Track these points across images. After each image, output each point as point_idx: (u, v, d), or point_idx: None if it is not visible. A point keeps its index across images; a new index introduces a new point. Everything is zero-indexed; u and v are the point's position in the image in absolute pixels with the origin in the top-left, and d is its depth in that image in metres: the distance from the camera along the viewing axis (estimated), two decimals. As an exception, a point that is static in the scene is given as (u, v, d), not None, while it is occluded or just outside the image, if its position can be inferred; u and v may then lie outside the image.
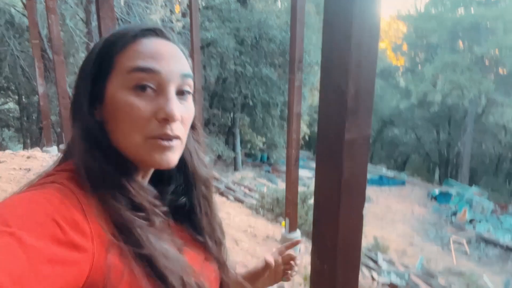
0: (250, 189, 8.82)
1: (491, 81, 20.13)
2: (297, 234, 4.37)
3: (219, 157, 13.88)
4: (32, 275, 0.38)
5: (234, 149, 14.62)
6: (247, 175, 13.34)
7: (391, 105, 24.37)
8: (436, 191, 17.88)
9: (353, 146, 1.06)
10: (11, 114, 15.68)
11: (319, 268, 1.17)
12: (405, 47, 26.69)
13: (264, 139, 14.45)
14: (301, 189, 10.42)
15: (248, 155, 18.59)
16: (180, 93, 0.57)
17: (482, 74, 19.95)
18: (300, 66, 3.92)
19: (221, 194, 7.49)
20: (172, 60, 0.56)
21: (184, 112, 0.57)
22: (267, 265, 0.90)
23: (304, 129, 12.73)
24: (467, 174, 20.78)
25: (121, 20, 8.47)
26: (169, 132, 0.54)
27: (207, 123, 13.04)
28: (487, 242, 13.20)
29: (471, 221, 14.60)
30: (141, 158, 0.55)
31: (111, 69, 0.54)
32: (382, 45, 31.27)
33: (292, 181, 4.22)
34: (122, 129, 0.53)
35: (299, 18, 3.88)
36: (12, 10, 10.57)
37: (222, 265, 0.71)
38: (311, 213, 6.33)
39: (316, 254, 1.19)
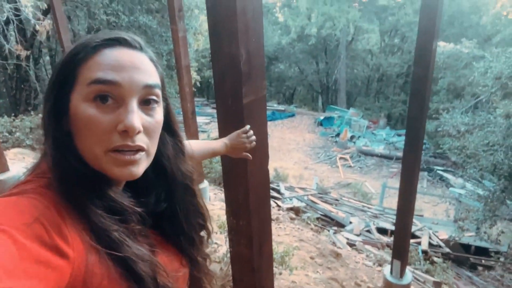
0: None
1: (356, 9, 22.00)
2: (205, 184, 4.49)
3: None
4: (22, 271, 0.40)
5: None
6: (143, 132, 12.82)
7: (274, 42, 25.13)
8: (321, 117, 19.75)
9: (252, 109, 1.11)
10: None
11: (235, 225, 1.25)
12: (278, -18, 27.05)
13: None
14: (202, 136, 10.47)
15: (139, 110, 17.65)
16: (146, 102, 0.57)
17: (348, 4, 21.59)
18: (181, 14, 3.73)
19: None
20: (134, 70, 0.55)
21: (148, 122, 0.57)
22: (225, 148, 1.05)
23: (194, 76, 12.45)
24: (344, 98, 23.24)
25: None
26: (129, 143, 0.54)
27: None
28: (366, 154, 15.42)
29: (351, 138, 16.71)
30: (102, 170, 0.55)
31: (74, 81, 0.54)
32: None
33: (192, 134, 4.22)
34: (84, 141, 0.53)
35: (171, -39, 3.61)
36: None
37: (193, 261, 0.73)
38: (215, 160, 6.47)
39: (231, 214, 1.27)
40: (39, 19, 7.36)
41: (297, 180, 11.83)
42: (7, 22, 7.66)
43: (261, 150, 1.20)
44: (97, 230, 0.52)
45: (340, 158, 15.15)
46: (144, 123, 0.56)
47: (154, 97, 0.58)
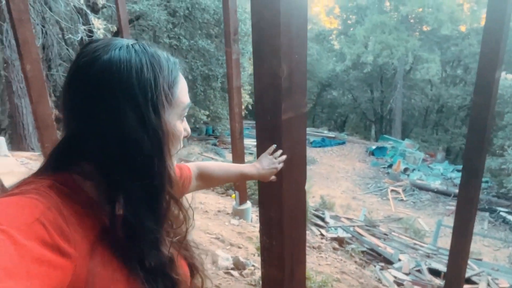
0: (197, 165, 8.75)
1: (416, 38, 21.41)
2: (248, 205, 4.48)
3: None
4: (22, 271, 0.40)
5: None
6: (194, 150, 13.21)
7: (328, 69, 25.10)
8: (373, 146, 19.11)
9: (291, 125, 1.09)
10: None
11: (268, 245, 1.22)
12: (337, 10, 27.25)
13: (207, 112, 14.26)
14: (249, 158, 10.57)
15: (193, 130, 18.32)
16: None
17: (408, 33, 21.11)
18: (236, 38, 3.86)
19: (169, 173, 7.38)
20: None
21: None
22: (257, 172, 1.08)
23: (247, 98, 12.72)
24: (400, 129, 22.37)
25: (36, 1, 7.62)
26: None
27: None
28: (420, 188, 14.55)
29: (405, 170, 15.91)
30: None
31: (171, 103, 0.60)
32: (316, 9, 31.67)
33: (238, 154, 4.26)
34: (172, 149, 0.63)
35: (230, -13, 3.78)
36: None
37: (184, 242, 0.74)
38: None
39: (264, 232, 1.23)
40: (109, 41, 8.02)
41: (344, 209, 11.43)
42: (81, 42, 8.45)
43: (299, 169, 1.17)
44: (106, 230, 0.54)
45: (392, 190, 14.44)
46: None
47: None
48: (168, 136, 0.60)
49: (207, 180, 1.08)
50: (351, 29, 24.88)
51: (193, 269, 0.75)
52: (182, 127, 0.64)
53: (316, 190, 12.54)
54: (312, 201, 10.62)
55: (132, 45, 0.57)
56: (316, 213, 8.07)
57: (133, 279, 0.54)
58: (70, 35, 7.81)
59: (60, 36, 9.41)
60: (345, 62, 23.01)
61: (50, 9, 8.35)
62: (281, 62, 1.00)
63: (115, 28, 7.59)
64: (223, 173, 1.07)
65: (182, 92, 0.63)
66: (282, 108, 1.04)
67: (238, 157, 4.26)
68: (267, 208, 1.21)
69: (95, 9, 9.72)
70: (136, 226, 0.55)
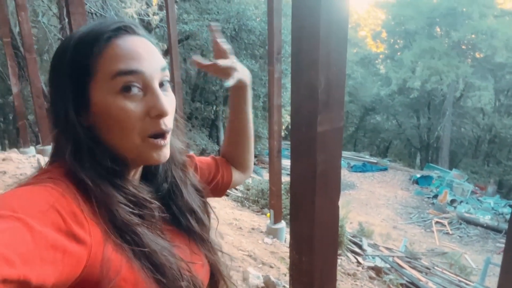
0: (235, 182, 8.81)
1: (468, 65, 20.53)
2: (282, 225, 4.41)
3: (203, 150, 13.79)
4: (37, 258, 0.41)
5: (217, 142, 14.56)
6: (232, 167, 13.33)
7: (372, 93, 24.64)
8: (418, 175, 18.27)
9: (326, 139, 1.07)
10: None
11: (297, 261, 1.18)
12: (384, 35, 26.91)
13: (248, 131, 14.38)
14: (286, 179, 10.49)
15: (232, 147, 18.51)
16: (161, 84, 0.59)
17: (459, 59, 20.32)
18: (279, 57, 3.91)
19: (206, 188, 7.48)
20: (150, 56, 0.57)
21: (169, 102, 0.59)
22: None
23: (287, 119, 12.74)
24: (447, 158, 21.28)
25: (95, 14, 8.25)
26: (163, 127, 0.57)
27: (189, 117, 12.90)
28: (468, 222, 13.61)
29: (452, 202, 15.00)
30: (140, 157, 0.58)
31: (91, 75, 0.54)
32: (362, 33, 31.49)
33: (275, 173, 4.24)
34: (119, 132, 0.55)
35: (276, 8, 3.87)
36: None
37: (205, 243, 0.72)
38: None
39: (294, 247, 1.20)
40: (159, 58, 8.46)
41: (383, 238, 10.92)
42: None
43: (333, 184, 1.14)
44: (119, 225, 0.53)
45: (437, 222, 13.63)
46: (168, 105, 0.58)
47: (167, 78, 0.60)
48: (97, 115, 0.55)
49: (235, 146, 0.93)
50: (398, 53, 24.40)
51: (216, 273, 0.73)
52: (124, 103, 0.54)
53: (355, 216, 12.13)
54: (349, 227, 10.26)
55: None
56: (353, 239, 7.78)
57: (147, 270, 0.53)
58: (124, 52, 8.32)
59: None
60: (390, 86, 22.50)
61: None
62: (319, 74, 1.00)
63: (165, 47, 7.98)
64: (232, 117, 0.90)
65: (110, 58, 0.53)
66: (318, 120, 1.03)
67: (275, 176, 4.24)
68: (298, 223, 1.18)
69: (148, 29, 10.32)
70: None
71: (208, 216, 0.76)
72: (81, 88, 0.54)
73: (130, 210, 0.55)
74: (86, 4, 7.75)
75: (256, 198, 6.20)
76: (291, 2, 1.05)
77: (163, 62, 0.59)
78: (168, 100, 0.58)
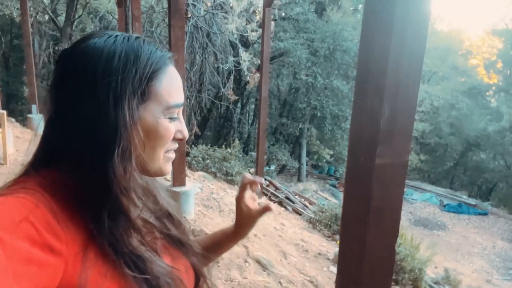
0: (310, 202, 8.64)
1: None
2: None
3: (283, 166, 13.84)
4: (9, 273, 0.39)
5: (299, 160, 14.49)
6: (310, 187, 13.10)
7: (479, 127, 22.14)
8: (525, 226, 15.78)
9: (385, 173, 0.98)
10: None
11: (341, 300, 1.09)
12: (499, 65, 24.16)
13: (332, 152, 14.09)
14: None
15: (315, 166, 18.27)
16: None
17: None
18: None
19: (280, 203, 7.45)
20: (182, 90, 0.64)
21: None
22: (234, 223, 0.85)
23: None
24: None
25: (201, 29, 8.94)
26: (177, 145, 0.66)
27: (274, 132, 13.12)
28: None
29: None
30: (159, 169, 0.62)
31: (147, 97, 0.56)
32: (473, 61, 28.76)
33: (349, 199, 4.04)
34: (153, 148, 0.59)
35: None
36: (110, 16, 11.82)
37: (185, 246, 0.70)
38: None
39: (340, 285, 1.11)
40: (252, 72, 8.79)
41: (472, 292, 9.61)
42: (229, 72, 9.46)
43: (389, 224, 1.03)
44: (127, 252, 0.53)
45: (544, 285, 11.55)
46: None
47: None
48: (135, 132, 0.55)
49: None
50: (515, 86, 21.66)
51: (200, 276, 0.71)
52: (169, 125, 0.59)
53: (441, 261, 10.92)
54: (433, 272, 9.29)
55: (116, 35, 0.56)
56: (434, 286, 6.99)
57: (126, 277, 0.52)
58: (220, 65, 8.82)
59: (215, 65, 10.74)
60: (501, 122, 20.00)
61: (210, 41, 9.66)
62: (383, 101, 0.92)
63: (259, 62, 8.28)
64: (209, 241, 0.88)
65: (166, 88, 0.58)
66: (378, 151, 0.94)
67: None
68: (347, 261, 1.09)
69: (246, 44, 10.84)
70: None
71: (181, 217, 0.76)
72: (135, 105, 0.55)
73: (128, 231, 0.55)
74: (193, 19, 8.45)
75: (329, 222, 5.97)
76: (362, 20, 0.99)
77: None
78: None
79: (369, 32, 0.98)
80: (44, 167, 0.55)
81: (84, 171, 0.52)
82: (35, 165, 0.55)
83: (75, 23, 11.71)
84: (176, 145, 0.65)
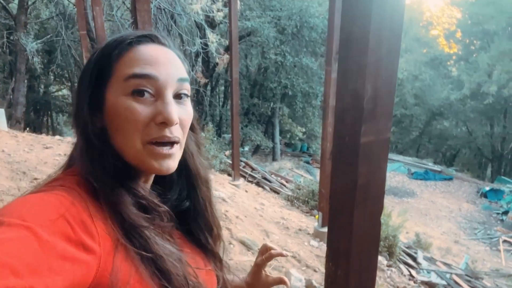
0: (287, 180, 8.79)
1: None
2: (330, 229, 4.31)
3: (258, 146, 13.90)
4: (45, 268, 0.40)
5: (273, 139, 14.61)
6: (285, 165, 13.30)
7: (441, 96, 23.04)
8: (487, 187, 16.80)
9: (370, 150, 1.01)
10: (65, 100, 16.70)
11: (332, 273, 1.14)
12: (458, 35, 25.00)
13: (304, 130, 14.28)
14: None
15: (288, 145, 18.49)
16: (178, 96, 0.58)
17: (545, 63, 18.27)
18: (337, 57, 3.80)
19: (257, 184, 7.53)
20: (168, 65, 0.57)
21: (182, 114, 0.58)
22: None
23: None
24: (524, 171, 19.31)
25: (164, 10, 8.64)
26: (168, 134, 0.55)
27: (246, 113, 13.09)
28: (543, 244, 12.25)
29: (525, 221, 13.59)
30: (140, 163, 0.57)
31: (109, 77, 0.55)
32: (434, 32, 29.56)
33: (326, 175, 4.15)
34: (122, 134, 0.55)
35: (337, 7, 3.75)
36: (65, 1, 11.17)
37: (218, 260, 0.72)
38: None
39: (330, 259, 1.16)
40: (220, 54, 8.65)
41: (442, 253, 10.23)
42: (197, 54, 9.27)
43: (375, 199, 1.08)
44: (127, 227, 0.53)
45: (505, 241, 12.44)
46: (179, 115, 0.57)
47: (185, 91, 0.59)
48: (110, 116, 0.55)
49: None
50: (474, 55, 22.56)
51: (219, 281, 0.73)
52: (133, 104, 0.54)
53: (412, 226, 11.50)
54: (405, 237, 9.76)
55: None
56: (407, 250, 7.38)
57: (150, 276, 0.53)
58: (187, 47, 8.62)
59: (182, 48, 10.48)
60: (462, 90, 20.89)
61: (175, 22, 9.38)
62: (366, 81, 0.94)
63: (227, 43, 8.14)
64: None
65: (127, 62, 0.55)
66: (362, 130, 0.97)
67: (326, 179, 4.15)
68: (335, 236, 1.13)
69: (213, 25, 10.61)
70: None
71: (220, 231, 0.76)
72: (99, 88, 0.56)
73: (139, 212, 0.55)
74: (156, 0, 8.15)
75: (306, 199, 6.12)
76: (341, 3, 1.00)
77: (183, 73, 0.59)
78: (181, 112, 0.58)
79: (349, 14, 0.99)
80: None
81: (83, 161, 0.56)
82: (73, 161, 0.58)
83: (28, 10, 11.01)
84: (161, 133, 0.55)
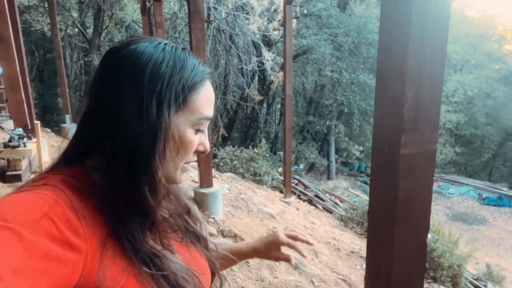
0: (341, 200, 8.50)
1: None
2: (384, 253, 4.05)
3: (312, 165, 13.66)
4: (29, 269, 0.40)
5: (328, 157, 14.28)
6: (341, 184, 12.88)
7: (522, 114, 21.05)
8: None
9: (412, 163, 0.93)
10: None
11: (370, 297, 1.05)
12: (537, 49, 22.84)
13: (361, 148, 13.79)
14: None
15: (344, 164, 17.96)
16: None
17: None
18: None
19: (310, 202, 7.36)
20: (213, 105, 0.65)
21: None
22: (258, 252, 0.94)
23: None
24: None
25: (223, 31, 8.99)
26: (195, 159, 0.65)
27: (301, 130, 12.98)
28: None
29: None
30: (171, 177, 0.61)
31: (183, 106, 0.57)
32: (508, 47, 27.35)
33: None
34: (172, 157, 0.58)
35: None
36: (136, 25, 12.14)
37: (201, 240, 0.73)
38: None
39: (369, 281, 1.07)
40: (276, 71, 8.75)
41: (518, 288, 9.11)
42: (253, 73, 9.47)
43: (418, 217, 0.98)
44: (118, 226, 0.53)
45: None
46: None
47: None
48: (169, 137, 0.56)
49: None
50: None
51: (213, 269, 0.73)
52: (195, 138, 0.60)
53: (482, 257, 10.45)
54: (473, 268, 8.90)
55: (165, 43, 0.58)
56: (475, 282, 6.69)
57: (144, 273, 0.52)
58: (244, 66, 8.84)
59: (239, 67, 10.79)
60: (542, 109, 18.90)
61: (233, 42, 9.70)
62: (405, 88, 0.87)
63: (282, 61, 8.24)
64: (225, 249, 0.92)
65: (202, 101, 0.59)
66: (402, 140, 0.90)
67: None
68: (375, 255, 1.05)
69: (269, 44, 10.81)
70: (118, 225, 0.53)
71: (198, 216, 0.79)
72: (169, 112, 0.56)
73: (146, 231, 0.57)
74: (215, 22, 8.52)
75: (361, 220, 5.84)
76: (380, 6, 0.95)
77: None
78: None
79: (388, 19, 0.93)
80: (72, 162, 0.57)
81: (114, 168, 0.53)
82: (60, 162, 0.58)
83: (103, 34, 12.12)
84: (195, 158, 0.64)
